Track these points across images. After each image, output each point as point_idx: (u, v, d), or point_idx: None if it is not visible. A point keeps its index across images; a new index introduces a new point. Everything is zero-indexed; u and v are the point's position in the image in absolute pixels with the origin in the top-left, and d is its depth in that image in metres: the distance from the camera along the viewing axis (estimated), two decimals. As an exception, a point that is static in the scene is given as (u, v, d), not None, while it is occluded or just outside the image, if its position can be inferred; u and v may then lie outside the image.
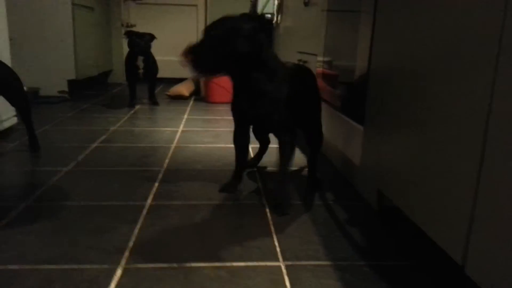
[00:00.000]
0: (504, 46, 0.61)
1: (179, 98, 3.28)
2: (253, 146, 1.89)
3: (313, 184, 1.43)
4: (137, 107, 2.87)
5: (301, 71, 1.34)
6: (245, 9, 3.79)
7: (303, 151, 1.85)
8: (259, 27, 1.11)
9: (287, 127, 1.22)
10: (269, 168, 1.59)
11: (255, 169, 1.58)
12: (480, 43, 0.67)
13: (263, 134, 1.57)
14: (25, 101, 1.69)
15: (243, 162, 1.35)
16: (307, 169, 1.49)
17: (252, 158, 1.60)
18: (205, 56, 1.09)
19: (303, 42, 2.17)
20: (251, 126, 1.33)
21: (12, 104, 1.67)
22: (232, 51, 1.08)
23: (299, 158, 1.74)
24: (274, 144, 1.27)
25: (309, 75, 1.37)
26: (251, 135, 1.35)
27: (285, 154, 1.23)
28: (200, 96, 3.39)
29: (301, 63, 2.15)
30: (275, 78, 1.16)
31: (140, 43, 2.75)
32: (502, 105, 0.61)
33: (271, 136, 1.30)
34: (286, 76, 1.20)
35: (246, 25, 1.09)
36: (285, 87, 1.18)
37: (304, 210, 1.21)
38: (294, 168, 1.60)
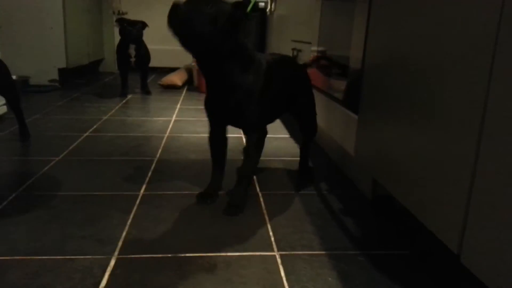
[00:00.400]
0: (502, 33, 0.60)
1: (172, 87, 3.25)
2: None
3: (304, 172, 1.43)
4: (129, 96, 2.84)
5: (285, 62, 1.27)
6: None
7: (296, 140, 1.84)
8: (239, 14, 1.02)
9: (258, 125, 1.14)
10: (262, 158, 1.58)
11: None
12: (477, 33, 0.66)
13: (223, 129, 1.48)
14: (13, 90, 1.66)
15: (221, 168, 1.23)
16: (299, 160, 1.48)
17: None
18: (187, 24, 0.97)
19: (297, 30, 2.15)
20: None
21: (0, 93, 1.64)
22: (209, 33, 0.98)
23: (292, 148, 1.73)
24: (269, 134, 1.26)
25: (296, 66, 1.33)
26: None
27: (250, 154, 1.15)
28: (193, 85, 3.37)
29: (294, 52, 2.14)
30: (249, 69, 1.08)
31: (132, 31, 2.71)
32: (499, 92, 0.61)
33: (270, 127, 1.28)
34: (262, 68, 1.12)
35: (228, 8, 1.01)
36: (260, 80, 1.10)
37: (298, 200, 1.21)
38: (288, 158, 1.59)
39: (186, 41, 1.01)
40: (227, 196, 1.21)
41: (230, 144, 1.30)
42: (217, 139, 1.21)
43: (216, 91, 1.11)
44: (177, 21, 0.98)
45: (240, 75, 1.07)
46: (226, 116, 1.15)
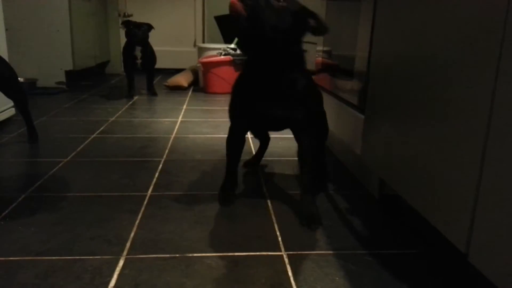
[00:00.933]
0: (508, 32, 0.60)
1: (178, 88, 3.26)
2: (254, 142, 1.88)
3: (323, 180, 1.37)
4: (136, 97, 2.86)
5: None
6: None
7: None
8: (309, 16, 1.04)
9: (311, 129, 1.11)
10: (269, 158, 1.58)
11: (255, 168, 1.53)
12: (484, 30, 0.66)
13: (264, 132, 1.45)
14: (21, 93, 1.67)
15: (236, 168, 1.21)
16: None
17: (252, 157, 1.51)
18: (259, 12, 0.94)
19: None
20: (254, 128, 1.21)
21: (8, 96, 1.66)
22: (288, 23, 0.98)
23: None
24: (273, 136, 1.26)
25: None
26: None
27: (309, 159, 1.11)
28: (198, 86, 3.38)
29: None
30: (303, 72, 1.08)
31: (138, 33, 2.72)
32: (505, 92, 0.61)
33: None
34: (311, 78, 1.12)
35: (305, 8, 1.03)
36: (313, 83, 1.11)
37: (305, 199, 1.21)
38: (295, 158, 1.59)
39: (253, 39, 0.98)
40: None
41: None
42: (239, 140, 1.17)
43: (266, 97, 1.05)
44: (248, 17, 0.93)
45: (298, 82, 1.05)
46: (272, 122, 1.11)
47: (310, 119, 1.09)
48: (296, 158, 1.58)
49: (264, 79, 1.04)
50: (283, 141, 1.82)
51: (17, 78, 1.66)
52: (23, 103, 1.68)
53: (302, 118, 1.07)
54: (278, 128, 1.17)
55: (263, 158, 1.52)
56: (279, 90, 1.04)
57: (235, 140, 1.17)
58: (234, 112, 1.13)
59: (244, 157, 1.53)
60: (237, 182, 1.25)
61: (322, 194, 1.25)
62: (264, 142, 1.49)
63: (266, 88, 1.05)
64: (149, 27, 2.79)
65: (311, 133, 1.11)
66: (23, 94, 1.68)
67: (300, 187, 1.16)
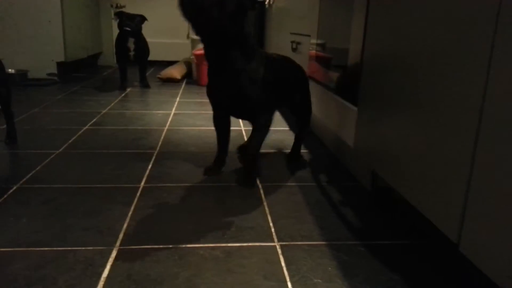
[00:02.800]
0: (500, 26, 0.60)
1: (171, 81, 3.24)
2: (247, 129, 1.88)
3: (295, 159, 1.50)
4: (128, 89, 2.84)
5: (285, 60, 1.34)
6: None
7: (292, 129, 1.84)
8: (248, 2, 1.08)
9: (264, 110, 1.20)
10: (262, 150, 1.58)
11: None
12: (476, 24, 0.66)
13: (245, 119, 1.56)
14: (6, 87, 1.54)
15: (225, 146, 1.33)
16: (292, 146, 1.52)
17: (245, 142, 1.58)
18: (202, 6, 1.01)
19: (296, 23, 2.14)
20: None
21: None
22: (227, 15, 1.03)
23: (292, 140, 1.73)
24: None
25: (295, 65, 1.40)
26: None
27: (257, 135, 1.22)
28: (192, 79, 3.36)
29: (293, 44, 2.13)
30: (252, 58, 1.15)
31: (131, 25, 2.70)
32: (497, 84, 0.61)
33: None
34: (263, 59, 1.19)
35: None
36: (262, 69, 1.17)
37: (298, 191, 1.21)
38: (287, 150, 1.60)
39: (196, 24, 1.05)
40: (227, 185, 1.22)
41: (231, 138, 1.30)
42: (221, 120, 1.30)
43: (220, 78, 1.16)
44: (189, 4, 1.02)
45: (244, 62, 1.13)
46: (230, 104, 1.20)
47: (257, 102, 1.18)
48: (289, 150, 1.59)
49: (215, 61, 1.14)
50: (276, 133, 1.82)
51: (4, 71, 1.55)
52: (7, 99, 1.55)
53: (252, 97, 1.16)
54: (239, 111, 1.24)
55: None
56: (229, 71, 1.13)
57: (217, 122, 1.31)
58: (208, 97, 1.25)
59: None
60: (225, 161, 1.36)
61: (314, 186, 1.26)
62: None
63: (218, 70, 1.15)
64: (142, 18, 2.77)
65: (262, 113, 1.20)
66: (8, 89, 1.55)
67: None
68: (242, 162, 1.44)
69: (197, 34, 1.09)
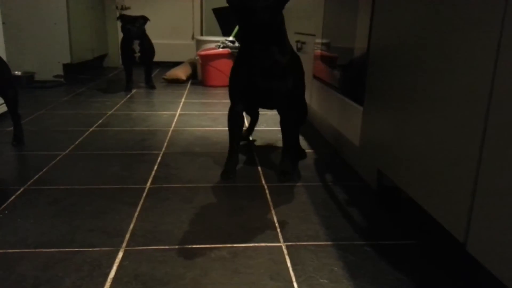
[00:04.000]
0: (507, 22, 0.60)
1: (176, 81, 3.25)
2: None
3: (299, 155, 1.52)
4: (134, 91, 2.85)
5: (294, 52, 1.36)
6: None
7: (301, 133, 1.84)
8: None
9: (292, 104, 1.26)
10: (267, 148, 1.58)
11: (249, 141, 1.64)
12: (482, 20, 0.66)
13: (256, 109, 1.60)
14: (13, 90, 1.55)
15: (238, 144, 1.34)
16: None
17: (244, 131, 1.62)
18: None
19: (301, 23, 2.14)
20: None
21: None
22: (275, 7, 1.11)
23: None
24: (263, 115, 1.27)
25: (297, 56, 1.40)
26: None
27: (289, 129, 1.29)
28: (197, 79, 3.37)
29: (298, 44, 2.13)
30: (287, 54, 1.21)
31: (133, 28, 2.70)
32: (504, 81, 0.61)
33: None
34: (294, 55, 1.26)
35: None
36: (294, 65, 1.24)
37: (303, 191, 1.21)
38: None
39: (245, 13, 1.09)
40: (232, 185, 1.22)
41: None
42: (238, 116, 1.29)
43: (255, 71, 1.20)
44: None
45: (281, 56, 1.19)
46: (260, 96, 1.25)
47: (291, 91, 1.24)
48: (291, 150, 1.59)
49: (252, 56, 1.19)
50: (280, 133, 1.82)
51: (10, 73, 1.56)
52: (14, 102, 1.56)
53: (285, 90, 1.22)
54: (267, 104, 1.31)
55: (263, 150, 1.52)
56: (266, 64, 1.18)
57: (234, 117, 1.29)
58: (232, 91, 1.27)
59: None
60: (238, 159, 1.38)
61: (319, 185, 1.25)
62: (254, 117, 1.66)
63: (255, 63, 1.19)
64: (144, 20, 2.77)
65: (291, 106, 1.27)
66: (15, 91, 1.56)
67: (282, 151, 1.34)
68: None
69: (241, 23, 1.13)
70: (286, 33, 1.23)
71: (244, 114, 1.33)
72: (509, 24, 0.60)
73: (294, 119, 1.28)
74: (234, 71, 1.25)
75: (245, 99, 1.27)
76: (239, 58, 1.23)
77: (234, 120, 1.29)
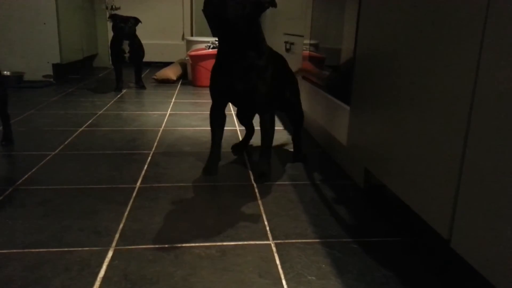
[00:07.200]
0: (488, 25, 0.62)
1: (166, 81, 3.25)
2: (242, 129, 1.89)
3: (299, 158, 1.50)
4: (124, 91, 2.84)
5: (275, 54, 1.36)
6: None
7: (290, 132, 1.85)
8: (266, 3, 1.17)
9: (270, 105, 1.28)
10: (257, 149, 1.59)
11: (243, 152, 1.59)
12: (465, 22, 0.67)
13: (248, 119, 1.58)
14: (2, 90, 1.54)
15: (219, 141, 1.35)
16: (292, 146, 1.51)
17: (239, 143, 1.59)
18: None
19: (289, 24, 2.15)
20: (235, 111, 1.35)
21: None
22: (250, 13, 1.12)
23: (286, 139, 1.75)
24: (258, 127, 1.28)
25: (281, 58, 1.41)
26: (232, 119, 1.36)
27: (267, 130, 1.29)
28: (187, 79, 3.37)
29: (287, 45, 2.14)
30: (263, 56, 1.22)
31: (124, 28, 2.70)
32: (486, 82, 0.62)
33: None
34: (271, 56, 1.27)
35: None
36: (271, 66, 1.24)
37: (292, 189, 1.22)
38: (282, 149, 1.60)
39: (218, 22, 1.11)
40: (222, 184, 1.23)
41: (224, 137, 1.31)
42: (219, 115, 1.33)
43: (232, 74, 1.22)
44: (213, 6, 1.08)
45: (257, 58, 1.21)
46: (236, 96, 1.26)
47: (269, 92, 1.25)
48: (284, 149, 1.60)
49: (230, 59, 1.20)
50: (271, 133, 1.83)
51: (0, 73, 1.54)
52: (3, 101, 1.55)
53: (262, 91, 1.23)
54: (246, 104, 1.30)
55: (253, 149, 1.53)
56: (242, 67, 1.20)
57: (215, 115, 1.33)
58: (212, 91, 1.30)
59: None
60: (220, 157, 1.40)
61: (308, 184, 1.27)
62: (249, 130, 1.61)
63: (232, 66, 1.21)
64: (136, 21, 2.78)
65: (269, 108, 1.28)
66: (4, 91, 1.56)
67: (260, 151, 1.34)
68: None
69: (216, 32, 1.15)
70: (262, 37, 1.24)
71: (223, 116, 1.34)
72: (491, 26, 0.61)
73: (272, 119, 1.29)
74: (213, 72, 1.27)
75: (224, 98, 1.30)
76: (217, 60, 1.25)
77: (214, 117, 1.33)
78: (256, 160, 1.44)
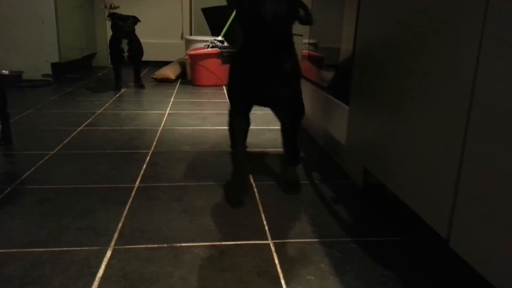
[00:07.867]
0: (487, 24, 0.62)
1: (165, 81, 3.24)
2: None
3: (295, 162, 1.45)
4: (123, 90, 2.84)
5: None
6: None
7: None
8: (304, 14, 1.11)
9: (301, 106, 1.24)
10: (255, 149, 1.59)
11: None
12: (464, 22, 0.67)
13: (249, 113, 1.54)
14: (1, 89, 1.54)
15: (244, 149, 1.18)
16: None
17: None
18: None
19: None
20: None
21: None
22: (290, 12, 1.05)
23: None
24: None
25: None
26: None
27: (295, 131, 1.25)
28: (186, 79, 3.36)
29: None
30: (293, 59, 1.15)
31: (124, 27, 2.70)
32: (485, 81, 0.62)
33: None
34: (297, 56, 1.20)
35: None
36: (298, 65, 1.19)
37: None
38: (281, 149, 1.60)
39: (258, 23, 1.02)
40: (221, 184, 1.23)
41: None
42: (241, 119, 1.17)
43: (261, 75, 1.11)
44: (252, 3, 1.00)
45: (287, 59, 1.13)
46: (263, 97, 1.17)
47: (295, 97, 1.21)
48: (282, 149, 1.60)
49: (260, 59, 1.10)
50: (270, 132, 1.83)
51: None
52: (2, 100, 1.55)
53: (289, 96, 1.18)
54: (269, 104, 1.25)
55: (250, 149, 1.53)
56: (272, 69, 1.11)
57: (238, 122, 1.17)
58: (233, 92, 1.17)
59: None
60: (248, 169, 1.29)
61: (307, 183, 1.27)
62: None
63: (261, 67, 1.10)
64: (135, 20, 2.77)
65: (294, 111, 1.23)
66: (3, 90, 1.55)
67: (283, 158, 1.29)
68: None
69: (251, 35, 1.08)
70: (293, 42, 1.17)
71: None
72: (490, 25, 0.61)
73: (295, 123, 1.23)
74: (234, 74, 1.16)
75: (247, 102, 1.18)
76: (240, 61, 1.15)
77: (233, 123, 1.17)
78: (283, 166, 1.33)
